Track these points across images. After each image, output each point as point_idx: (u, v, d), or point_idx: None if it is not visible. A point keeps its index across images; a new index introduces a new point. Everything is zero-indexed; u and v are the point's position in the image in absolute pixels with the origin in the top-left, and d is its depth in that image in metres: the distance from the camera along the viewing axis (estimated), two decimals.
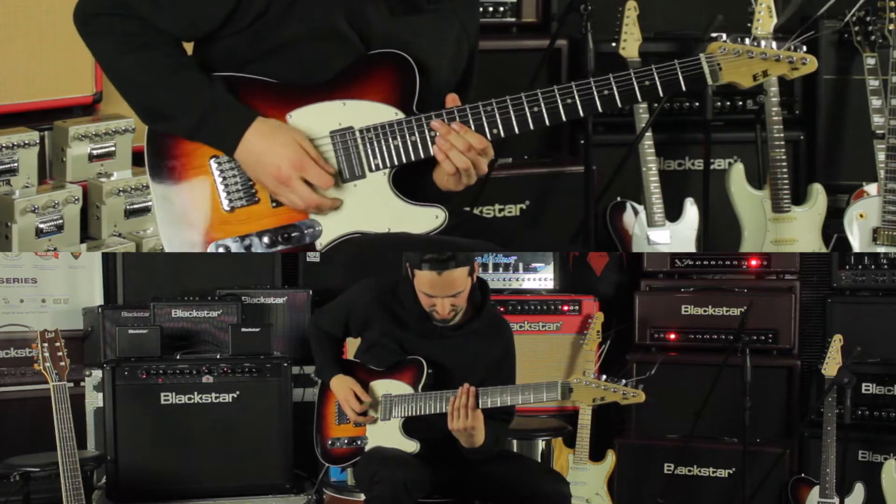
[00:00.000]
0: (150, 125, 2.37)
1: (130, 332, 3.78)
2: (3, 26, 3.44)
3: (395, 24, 2.35)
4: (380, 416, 2.84)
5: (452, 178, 2.33)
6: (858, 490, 3.63)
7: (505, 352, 2.90)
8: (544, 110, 2.29)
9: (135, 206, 3.67)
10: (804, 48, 2.28)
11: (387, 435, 2.82)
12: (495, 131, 2.31)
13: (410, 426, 2.80)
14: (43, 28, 3.51)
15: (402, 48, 2.31)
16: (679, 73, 2.27)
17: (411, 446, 2.77)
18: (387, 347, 2.84)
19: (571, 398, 2.62)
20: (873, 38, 3.80)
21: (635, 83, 2.28)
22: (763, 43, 2.29)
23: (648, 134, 3.85)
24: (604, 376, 2.60)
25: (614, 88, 2.28)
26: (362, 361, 2.92)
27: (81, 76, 3.66)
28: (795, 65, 2.27)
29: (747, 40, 2.27)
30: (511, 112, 2.30)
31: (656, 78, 2.28)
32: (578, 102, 2.29)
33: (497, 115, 2.30)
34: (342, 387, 2.85)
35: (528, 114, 2.30)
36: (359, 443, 2.87)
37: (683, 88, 2.29)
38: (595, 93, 2.28)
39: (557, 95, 2.29)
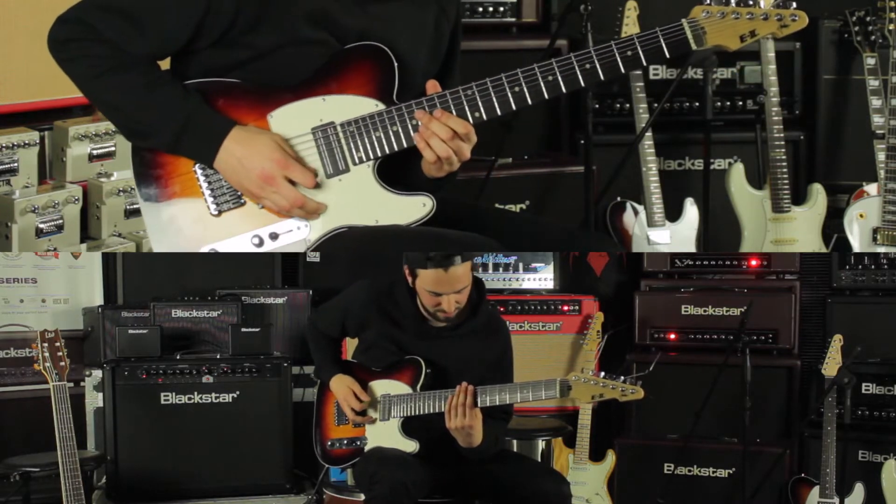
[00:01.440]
0: (132, 142, 2.38)
1: (130, 332, 3.78)
2: (3, 26, 3.44)
3: (366, 18, 2.35)
4: (379, 417, 2.84)
5: (434, 166, 2.33)
6: (858, 490, 3.63)
7: (503, 350, 2.89)
8: (525, 89, 2.27)
9: (135, 206, 3.66)
10: (793, 4, 2.19)
11: (386, 435, 2.82)
12: (477, 114, 2.29)
13: (409, 426, 2.80)
14: (43, 28, 3.46)
15: (379, 40, 2.31)
16: (661, 41, 2.22)
17: (411, 446, 2.77)
18: (384, 348, 2.84)
19: (570, 395, 2.62)
20: (873, 38, 3.80)
21: (617, 54, 2.24)
22: (750, 2, 2.20)
23: (648, 134, 3.85)
24: (602, 373, 2.60)
25: (596, 62, 2.25)
26: (360, 362, 2.92)
27: None
28: (785, 21, 2.18)
29: (732, 1, 2.20)
30: (492, 94, 2.28)
31: (638, 47, 2.23)
32: (560, 79, 2.26)
33: (478, 98, 2.29)
34: (341, 386, 2.85)
35: (510, 94, 2.28)
36: (358, 443, 2.87)
37: (668, 55, 2.22)
38: (577, 67, 2.25)
39: (538, 73, 2.27)
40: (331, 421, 2.94)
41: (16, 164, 3.47)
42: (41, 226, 3.44)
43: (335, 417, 2.93)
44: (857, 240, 3.82)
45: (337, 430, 2.93)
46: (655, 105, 3.83)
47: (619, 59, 2.24)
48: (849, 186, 3.97)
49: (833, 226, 3.94)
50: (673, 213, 3.97)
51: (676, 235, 3.97)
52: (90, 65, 2.27)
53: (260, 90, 2.32)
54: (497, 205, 3.94)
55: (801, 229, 3.93)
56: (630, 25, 3.82)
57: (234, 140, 2.29)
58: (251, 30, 2.29)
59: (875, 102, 3.78)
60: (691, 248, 4.02)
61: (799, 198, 3.98)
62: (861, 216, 3.81)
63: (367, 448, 2.86)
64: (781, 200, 3.90)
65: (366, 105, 2.31)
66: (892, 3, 3.75)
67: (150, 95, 2.28)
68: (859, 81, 3.90)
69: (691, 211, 3.98)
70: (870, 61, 3.81)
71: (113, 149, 3.69)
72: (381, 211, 2.33)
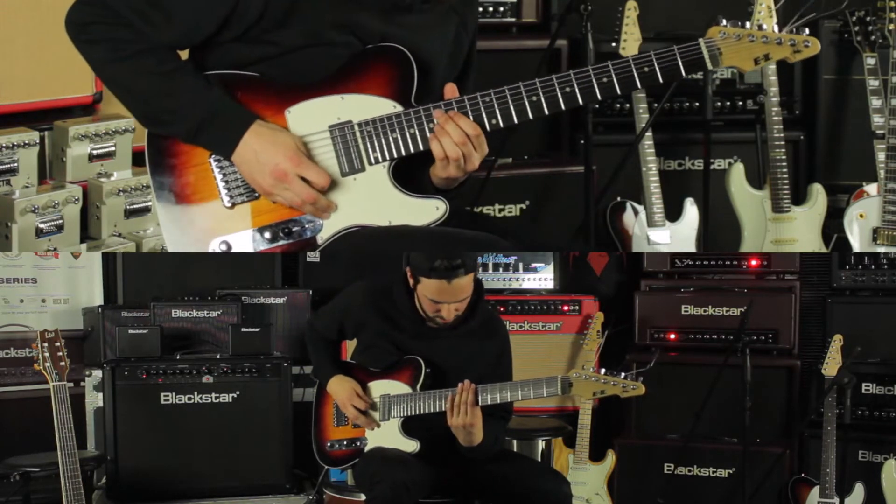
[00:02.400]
0: (148, 129, 2.38)
1: (130, 332, 3.78)
2: (3, 26, 3.44)
3: (392, 26, 2.36)
4: (378, 417, 2.84)
5: (440, 164, 2.32)
6: (858, 490, 3.63)
7: (501, 350, 2.90)
8: (543, 99, 2.29)
9: (135, 206, 3.67)
10: (806, 31, 2.24)
11: (386, 435, 2.82)
12: (494, 122, 2.31)
13: (410, 426, 2.80)
14: (43, 28, 3.51)
15: (403, 45, 2.32)
16: (678, 59, 2.25)
17: (411, 446, 2.77)
18: (383, 348, 2.85)
19: (571, 392, 2.63)
20: (873, 38, 3.80)
21: (634, 70, 2.26)
22: (765, 26, 2.26)
23: (648, 134, 3.85)
24: (603, 370, 2.61)
25: (613, 76, 2.27)
26: (359, 362, 2.92)
27: (81, 76, 3.66)
28: (797, 47, 2.24)
29: (748, 24, 2.24)
30: (510, 102, 2.30)
31: (655, 64, 2.26)
32: (577, 90, 2.28)
33: (496, 106, 2.30)
34: (342, 388, 2.85)
35: (527, 103, 2.30)
36: (358, 444, 2.87)
37: (683, 74, 2.26)
38: (594, 80, 2.27)
39: (556, 84, 2.28)
40: (330, 422, 2.94)
41: (16, 164, 3.47)
42: (41, 226, 3.44)
43: (334, 418, 2.93)
44: (857, 240, 3.82)
45: (336, 431, 2.93)
46: (655, 105, 3.83)
47: (635, 74, 2.26)
48: (849, 186, 3.97)
49: (833, 226, 3.94)
50: (673, 213, 3.97)
51: (676, 235, 3.97)
52: (112, 48, 2.26)
53: (279, 85, 2.33)
54: (497, 205, 3.95)
55: (801, 229, 3.93)
56: (630, 25, 3.82)
57: (254, 134, 2.29)
58: (276, 28, 2.29)
59: (875, 102, 3.78)
60: (691, 248, 4.02)
61: (799, 198, 3.98)
62: (861, 216, 3.81)
63: (366, 448, 2.86)
64: (781, 200, 3.90)
65: (383, 106, 2.32)
66: (892, 3, 3.75)
67: (173, 83, 2.28)
68: (859, 81, 3.90)
69: (691, 211, 3.98)
70: (870, 61, 3.81)
71: (113, 149, 3.69)
72: (394, 212, 2.34)
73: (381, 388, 2.85)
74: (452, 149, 2.28)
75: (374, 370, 2.87)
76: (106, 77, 2.35)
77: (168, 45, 2.31)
